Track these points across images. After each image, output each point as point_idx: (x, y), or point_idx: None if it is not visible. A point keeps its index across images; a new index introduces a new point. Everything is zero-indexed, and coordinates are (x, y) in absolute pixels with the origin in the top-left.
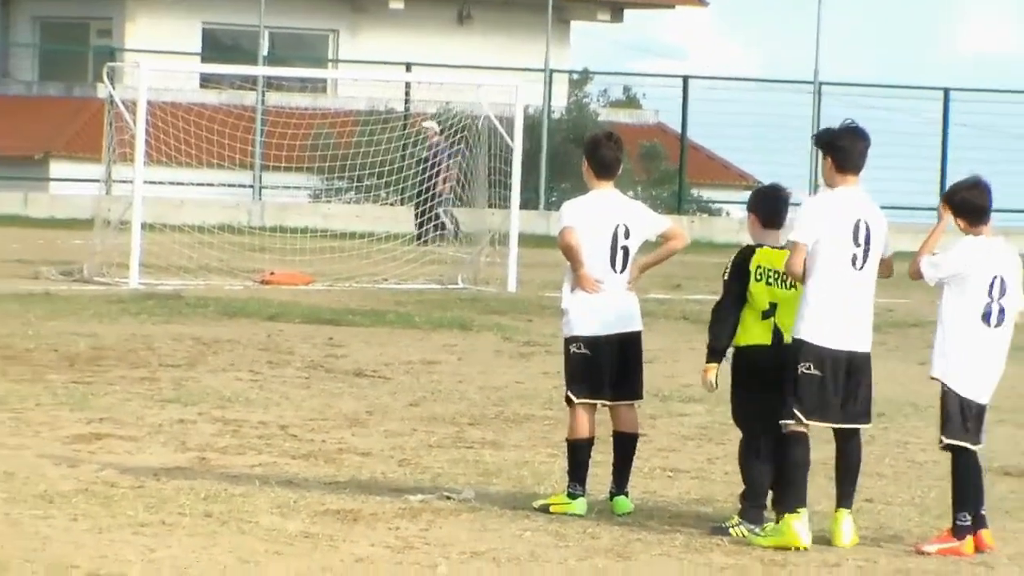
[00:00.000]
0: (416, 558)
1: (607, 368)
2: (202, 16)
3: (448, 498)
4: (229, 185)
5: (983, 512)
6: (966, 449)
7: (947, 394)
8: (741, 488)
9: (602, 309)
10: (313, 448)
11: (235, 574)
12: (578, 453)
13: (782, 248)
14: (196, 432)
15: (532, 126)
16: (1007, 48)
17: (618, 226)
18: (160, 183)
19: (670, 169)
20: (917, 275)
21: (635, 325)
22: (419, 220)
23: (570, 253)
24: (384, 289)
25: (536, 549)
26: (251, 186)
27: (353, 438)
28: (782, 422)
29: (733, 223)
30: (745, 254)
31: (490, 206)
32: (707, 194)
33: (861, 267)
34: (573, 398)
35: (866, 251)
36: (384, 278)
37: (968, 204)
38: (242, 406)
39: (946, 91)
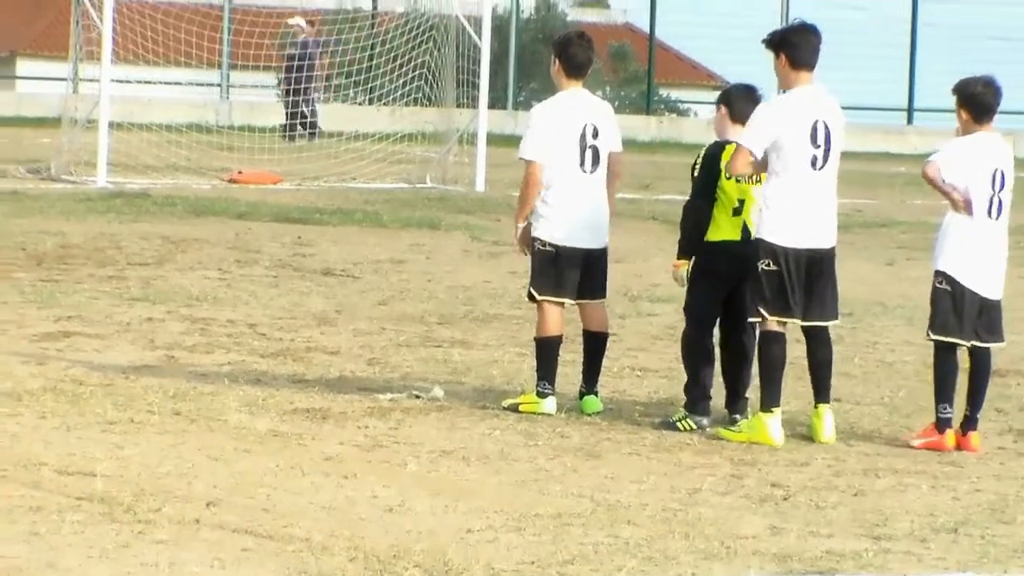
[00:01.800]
0: (385, 456)
1: (571, 270)
2: None
3: (417, 397)
4: (197, 84)
5: (978, 415)
6: (950, 344)
7: (939, 290)
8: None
9: (573, 217)
10: (282, 347)
11: (204, 472)
12: (546, 351)
13: None
14: (164, 330)
15: (500, 26)
16: None
17: (586, 126)
18: (127, 82)
19: (639, 69)
20: (932, 180)
21: (602, 240)
22: (292, 118)
23: (525, 192)
24: (352, 188)
25: (505, 448)
26: (219, 85)
27: (322, 337)
28: (750, 319)
29: (701, 123)
30: (714, 150)
31: (458, 106)
32: (675, 94)
33: (821, 167)
34: (536, 294)
35: (826, 151)
36: (352, 177)
37: (978, 100)
38: (210, 305)
39: None
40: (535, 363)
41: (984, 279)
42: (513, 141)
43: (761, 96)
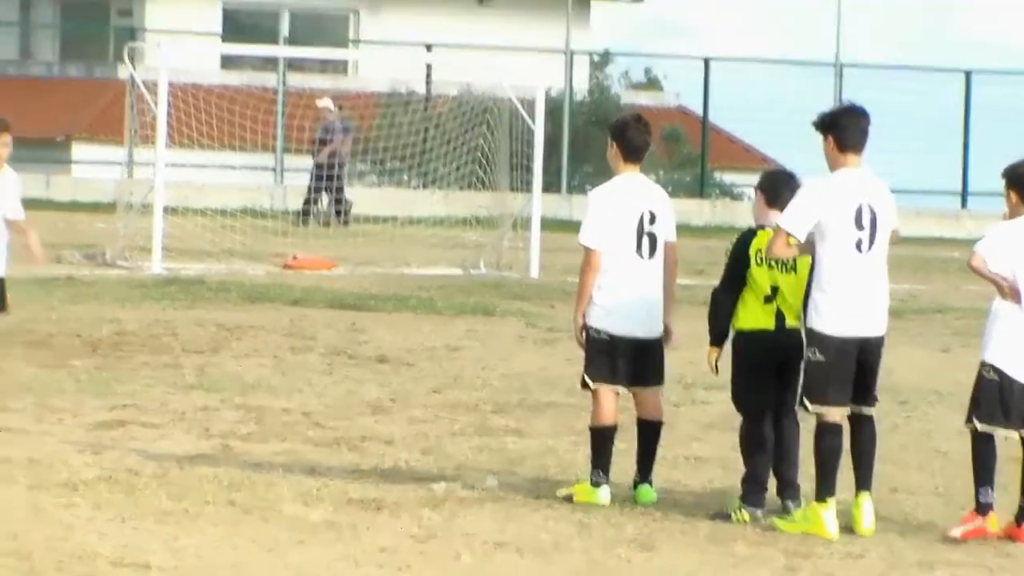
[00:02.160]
0: (439, 548)
1: (625, 358)
2: None
3: (471, 487)
4: (251, 168)
5: None
6: (1000, 433)
7: (986, 380)
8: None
9: (628, 304)
10: (336, 436)
11: (258, 563)
12: (601, 440)
13: None
14: (219, 419)
15: (553, 108)
16: None
17: (643, 213)
18: (182, 166)
19: (692, 152)
20: (978, 270)
21: (656, 330)
22: (310, 203)
23: (583, 280)
24: (407, 274)
25: (559, 539)
26: (273, 169)
27: (376, 425)
28: (797, 408)
29: (752, 207)
30: (745, 238)
31: (512, 189)
32: (729, 177)
33: (868, 250)
34: (589, 382)
35: (872, 234)
36: (407, 263)
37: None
38: (265, 393)
39: (967, 73)
40: (589, 452)
41: None
42: (567, 226)
43: (798, 181)
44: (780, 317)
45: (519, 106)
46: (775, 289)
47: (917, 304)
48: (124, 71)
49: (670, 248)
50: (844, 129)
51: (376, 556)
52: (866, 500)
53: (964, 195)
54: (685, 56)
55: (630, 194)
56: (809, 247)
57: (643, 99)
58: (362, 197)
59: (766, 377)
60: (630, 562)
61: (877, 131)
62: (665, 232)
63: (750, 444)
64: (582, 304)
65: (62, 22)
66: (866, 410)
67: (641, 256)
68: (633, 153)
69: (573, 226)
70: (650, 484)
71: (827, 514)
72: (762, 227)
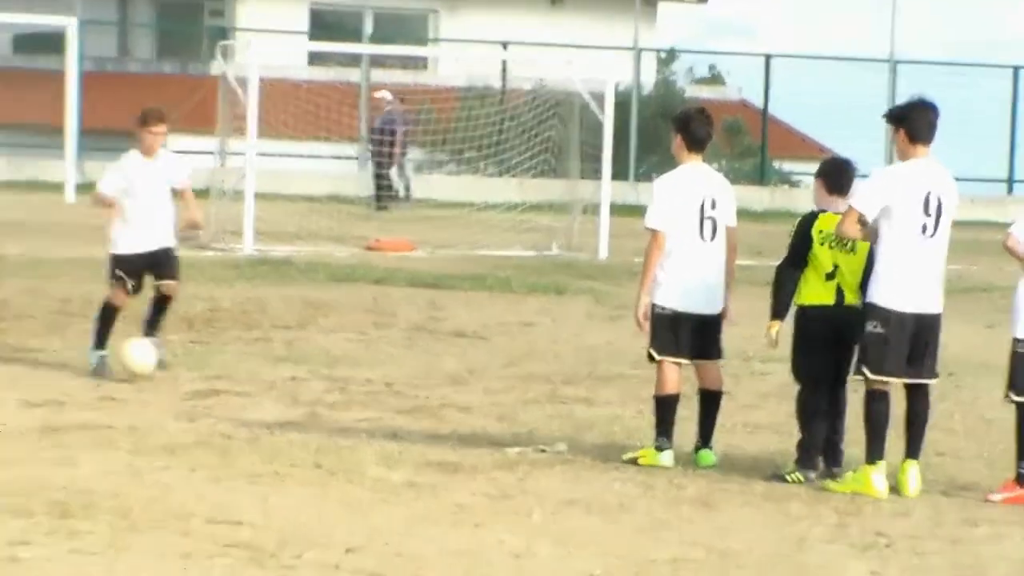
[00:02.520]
0: (512, 506)
1: (687, 332)
2: None
3: (543, 451)
4: (336, 157)
5: None
6: None
7: (1020, 355)
8: (778, 445)
9: (691, 283)
10: (416, 404)
11: (343, 520)
12: (664, 408)
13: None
14: (307, 389)
15: (622, 102)
16: None
17: (705, 198)
18: (271, 155)
19: (753, 143)
20: (1012, 250)
21: (716, 307)
22: (380, 188)
23: (649, 260)
24: (483, 255)
25: (625, 499)
26: (356, 158)
27: (454, 395)
28: (854, 377)
29: (812, 193)
30: (808, 220)
31: (582, 178)
32: (787, 166)
33: (932, 235)
34: (655, 354)
35: (937, 220)
36: (483, 245)
37: None
38: (350, 365)
39: (1015, 69)
40: (654, 419)
41: None
42: (635, 211)
43: (855, 169)
44: (840, 294)
45: (589, 100)
46: (836, 267)
47: (965, 283)
48: (217, 67)
49: (730, 232)
50: (915, 122)
51: (453, 514)
52: (913, 467)
53: (1011, 182)
54: (747, 53)
55: (693, 182)
56: (873, 229)
57: (706, 93)
58: (442, 184)
59: (825, 349)
60: (691, 520)
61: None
62: (725, 217)
63: (806, 412)
64: (647, 283)
65: (158, 21)
66: (924, 382)
67: (703, 239)
68: (696, 144)
69: (640, 211)
70: (710, 448)
71: (876, 475)
72: (824, 211)
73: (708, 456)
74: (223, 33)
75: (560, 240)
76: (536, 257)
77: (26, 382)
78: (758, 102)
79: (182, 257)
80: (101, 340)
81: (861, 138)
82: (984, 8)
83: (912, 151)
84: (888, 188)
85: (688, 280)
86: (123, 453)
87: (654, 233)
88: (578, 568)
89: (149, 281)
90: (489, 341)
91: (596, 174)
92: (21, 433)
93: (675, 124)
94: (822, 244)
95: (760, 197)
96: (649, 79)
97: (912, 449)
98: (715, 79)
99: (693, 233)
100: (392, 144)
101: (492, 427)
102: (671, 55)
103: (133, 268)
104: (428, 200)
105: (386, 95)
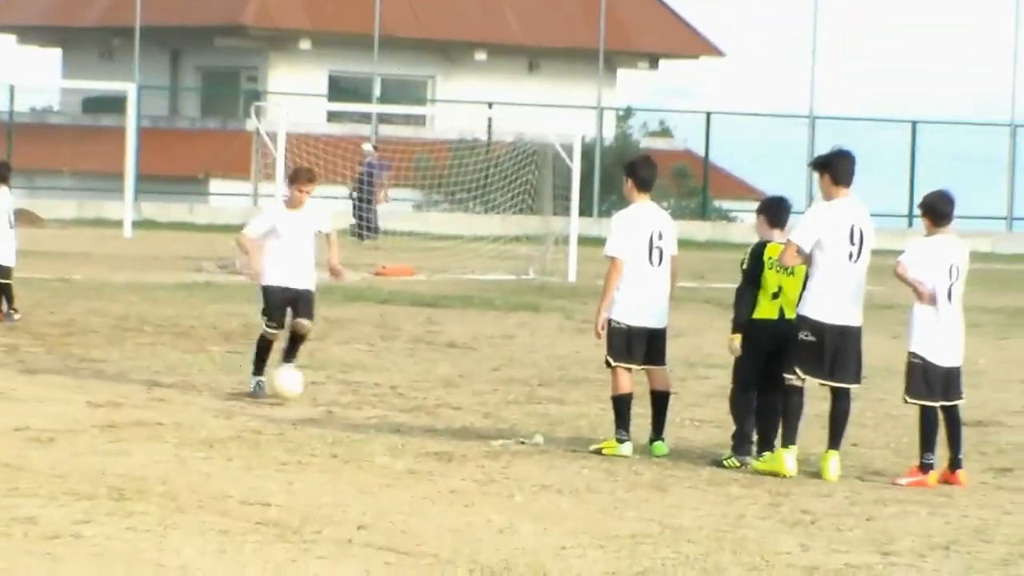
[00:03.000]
0: (497, 489)
1: (639, 343)
2: (328, 66)
3: (522, 443)
4: (350, 199)
5: (960, 456)
6: (927, 405)
7: (914, 364)
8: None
9: (641, 302)
10: (416, 404)
11: (355, 502)
12: (621, 406)
13: (783, 243)
14: (324, 391)
15: (587, 152)
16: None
17: (654, 231)
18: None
19: (696, 185)
20: (901, 277)
21: (663, 322)
22: (360, 222)
23: (608, 283)
24: (472, 279)
25: (591, 483)
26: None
27: (448, 396)
28: (785, 375)
29: (745, 227)
30: (758, 249)
31: (554, 214)
32: (725, 204)
33: (856, 260)
34: (611, 361)
35: (860, 248)
36: (471, 271)
37: (933, 208)
38: (361, 371)
39: (914, 123)
40: (614, 416)
41: (947, 352)
42: (598, 241)
43: (791, 205)
44: (781, 311)
45: (560, 149)
46: (780, 288)
47: (873, 301)
48: (251, 124)
49: (674, 259)
50: (837, 168)
51: (447, 496)
52: (834, 457)
53: (910, 217)
54: (691, 111)
55: (644, 218)
56: (807, 257)
57: (658, 144)
58: (438, 220)
59: (763, 356)
60: (648, 501)
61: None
62: (670, 247)
63: (741, 407)
64: (606, 301)
65: (203, 86)
66: (846, 386)
67: (652, 265)
68: (643, 185)
69: (601, 242)
70: (663, 440)
71: (788, 456)
72: (769, 241)
73: (661, 447)
74: (257, 95)
75: (536, 266)
76: (515, 280)
77: (90, 386)
78: (700, 151)
79: (219, 281)
80: (258, 367)
81: (786, 180)
82: (889, 70)
83: (836, 192)
84: (819, 223)
85: (640, 299)
86: (170, 446)
87: (613, 260)
88: (553, 542)
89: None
90: (477, 351)
91: (566, 211)
92: (85, 429)
93: (626, 170)
94: (771, 269)
95: (702, 230)
96: (610, 133)
97: (834, 441)
98: (665, 132)
99: (644, 260)
100: (371, 186)
101: (479, 423)
102: (628, 113)
103: (276, 302)
104: (426, 233)
105: (369, 148)
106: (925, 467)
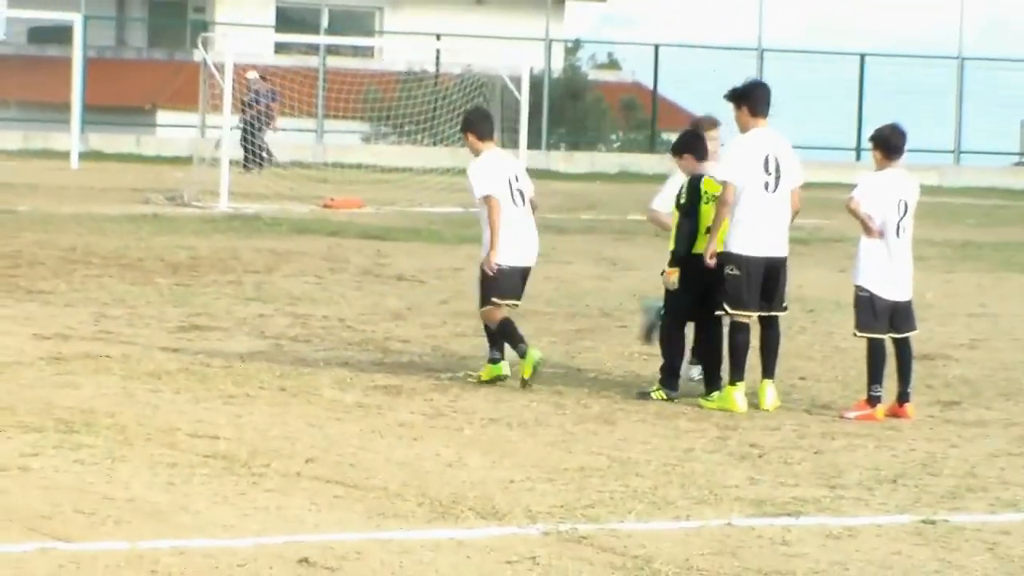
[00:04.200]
0: (446, 423)
1: (518, 281)
2: None
3: (470, 376)
4: (297, 130)
5: (909, 390)
6: (876, 337)
7: (861, 297)
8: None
9: (517, 245)
10: (365, 337)
11: (303, 435)
12: (505, 328)
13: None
14: (273, 324)
15: (535, 84)
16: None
17: (511, 175)
18: (243, 128)
19: (645, 118)
20: (854, 212)
21: (535, 260)
22: (246, 153)
23: (491, 217)
24: (420, 212)
25: (540, 416)
26: (315, 131)
27: (396, 329)
28: (717, 312)
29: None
30: (695, 183)
31: (503, 146)
32: (673, 137)
33: (773, 191)
34: (498, 301)
35: (777, 178)
36: (420, 203)
37: (887, 142)
38: (309, 304)
39: (862, 56)
40: (489, 342)
41: (895, 286)
42: (547, 174)
43: (702, 134)
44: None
45: (509, 82)
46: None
47: (821, 235)
48: (198, 55)
49: (534, 200)
50: (754, 99)
51: (396, 430)
52: (769, 385)
53: (858, 150)
54: (639, 43)
55: (502, 162)
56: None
57: (606, 76)
58: (386, 153)
59: (701, 291)
60: (596, 434)
61: (791, 101)
62: (528, 189)
63: (672, 342)
64: (495, 239)
65: (150, 17)
66: (774, 314)
67: (516, 205)
68: (488, 134)
69: (551, 175)
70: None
71: (738, 394)
72: (703, 175)
73: (534, 353)
74: (204, 26)
75: None
76: (464, 213)
77: (37, 319)
78: (649, 84)
79: (167, 213)
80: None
81: (732, 114)
82: (837, 1)
83: (753, 123)
84: (739, 156)
85: (516, 246)
86: (118, 378)
87: (488, 198)
88: (501, 475)
89: None
90: (425, 284)
91: (514, 144)
92: (32, 361)
93: (465, 123)
94: (706, 203)
95: (650, 162)
96: (558, 65)
97: (767, 370)
98: (613, 64)
99: (508, 201)
100: (258, 115)
101: (428, 356)
102: (576, 45)
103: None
104: (375, 165)
105: (255, 75)
106: (873, 400)
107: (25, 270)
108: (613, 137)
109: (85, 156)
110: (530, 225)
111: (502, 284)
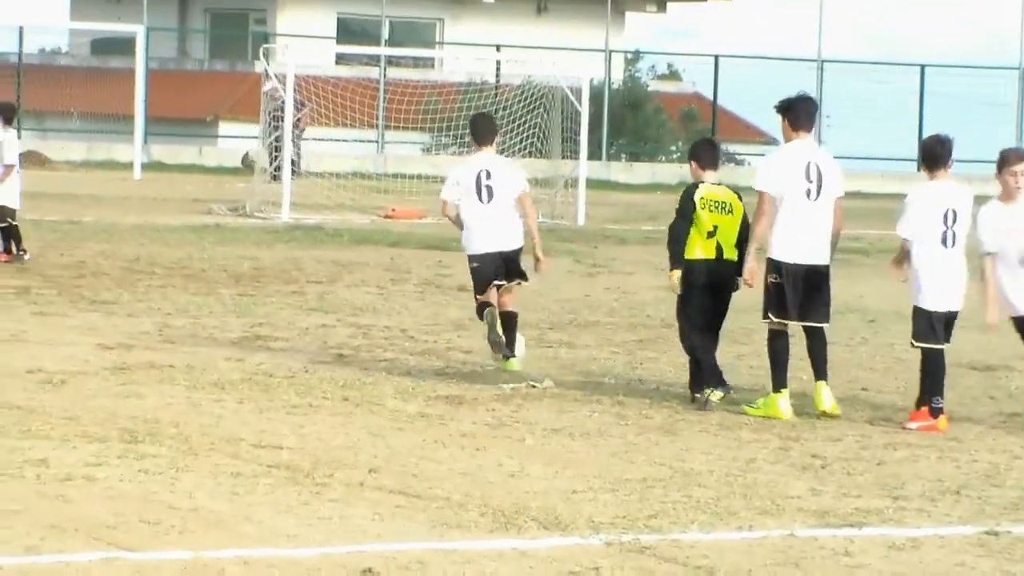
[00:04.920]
0: (508, 433)
1: (497, 265)
2: (337, 8)
3: (533, 386)
4: (358, 141)
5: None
6: (934, 348)
7: (916, 308)
8: (764, 379)
9: (485, 235)
10: (427, 347)
11: (366, 445)
12: (485, 308)
13: (717, 184)
14: (335, 334)
15: (596, 95)
16: (975, 28)
17: (480, 172)
18: (305, 139)
19: (705, 128)
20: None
21: (516, 243)
22: (272, 159)
23: (451, 218)
24: None
25: (602, 426)
26: (375, 142)
27: (458, 339)
28: (763, 320)
29: (752, 170)
30: (690, 190)
31: (563, 157)
32: (733, 147)
33: (816, 199)
34: (482, 291)
35: (819, 186)
36: None
37: (925, 152)
38: (371, 314)
39: (922, 67)
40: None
41: (946, 297)
42: (607, 185)
43: (719, 144)
44: (719, 249)
45: (569, 93)
46: (716, 227)
47: (882, 245)
48: (260, 66)
49: (521, 197)
50: (796, 111)
51: (458, 440)
52: (824, 387)
53: (919, 161)
54: (699, 54)
55: (472, 163)
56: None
57: (666, 87)
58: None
59: (705, 296)
60: (658, 444)
61: (851, 112)
62: (511, 185)
63: (697, 344)
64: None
65: (211, 28)
66: (817, 324)
67: (483, 201)
68: (480, 137)
69: (611, 185)
70: (516, 357)
71: (782, 401)
72: (701, 182)
73: (512, 363)
74: (265, 38)
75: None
76: (520, 222)
77: (101, 329)
78: (709, 94)
79: (229, 223)
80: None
81: None
82: (897, 12)
83: (793, 135)
84: (775, 165)
85: (487, 235)
86: (182, 388)
87: (445, 204)
88: (564, 486)
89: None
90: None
91: (575, 154)
92: (96, 371)
93: (476, 126)
94: (704, 208)
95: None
96: (618, 76)
97: (819, 373)
98: (673, 75)
99: (474, 198)
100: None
101: (490, 366)
102: (636, 56)
103: None
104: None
105: (275, 84)
106: (935, 411)
107: (89, 280)
108: (673, 148)
109: (148, 167)
110: (499, 217)
111: (483, 272)
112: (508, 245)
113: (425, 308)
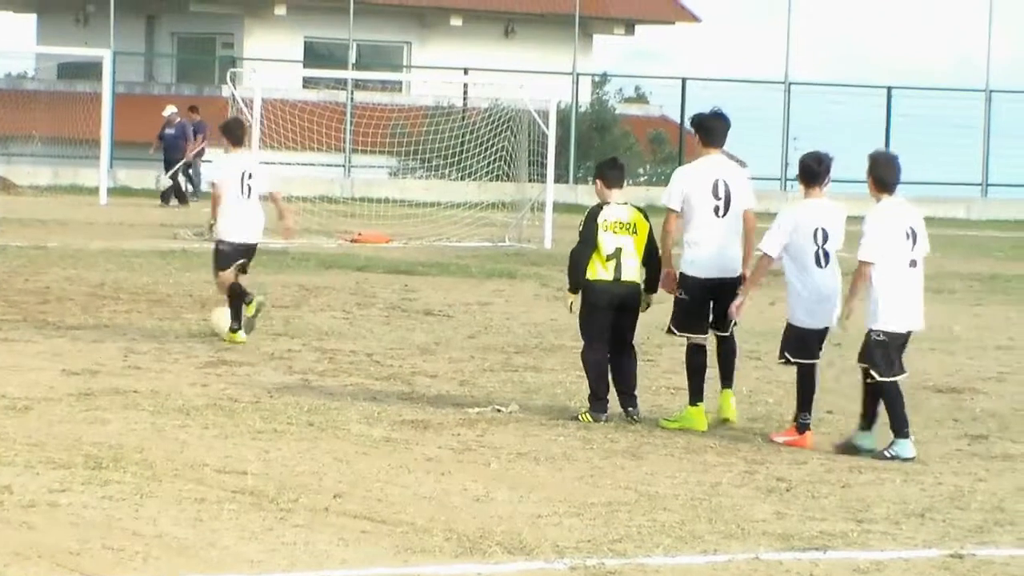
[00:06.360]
0: (473, 457)
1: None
2: (304, 31)
3: (498, 411)
4: (325, 165)
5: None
6: (806, 364)
7: (789, 324)
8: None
9: (238, 226)
10: (392, 371)
11: (331, 470)
12: (234, 288)
13: (621, 204)
14: (300, 359)
15: (563, 118)
16: (942, 50)
17: (244, 172)
18: (272, 163)
19: (672, 151)
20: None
21: (256, 239)
22: (165, 185)
23: (212, 199)
24: (447, 246)
25: (568, 451)
26: (342, 166)
27: (424, 363)
28: (667, 335)
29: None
30: (594, 211)
31: (530, 180)
32: None
33: (723, 215)
34: (224, 269)
35: (726, 202)
36: (447, 238)
37: (801, 169)
38: (336, 338)
39: (889, 89)
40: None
41: (816, 316)
42: (574, 208)
43: (623, 163)
44: (617, 270)
45: (536, 116)
46: (618, 249)
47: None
48: (226, 90)
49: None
50: (707, 128)
51: (423, 464)
52: (731, 396)
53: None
54: (666, 77)
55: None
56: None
57: (633, 110)
58: (413, 187)
59: (605, 316)
60: (623, 468)
61: (819, 133)
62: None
63: (590, 366)
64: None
65: (178, 52)
66: (723, 334)
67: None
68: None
69: (578, 208)
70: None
71: (699, 413)
72: (606, 203)
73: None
74: (232, 62)
75: (512, 233)
76: (492, 247)
77: (66, 354)
78: (676, 117)
79: (195, 248)
80: None
81: (762, 147)
82: (864, 35)
83: (704, 151)
84: (684, 182)
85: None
86: (146, 414)
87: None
88: (529, 510)
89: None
90: (453, 318)
91: (541, 178)
92: (61, 397)
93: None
94: (606, 231)
95: None
96: (585, 99)
97: (726, 381)
98: (640, 98)
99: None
100: (177, 150)
101: (455, 391)
102: (604, 79)
103: None
104: (402, 200)
105: (173, 109)
106: (801, 427)
107: (54, 305)
108: (640, 171)
109: (114, 191)
110: (252, 213)
111: (229, 256)
112: (253, 239)
113: (391, 332)
